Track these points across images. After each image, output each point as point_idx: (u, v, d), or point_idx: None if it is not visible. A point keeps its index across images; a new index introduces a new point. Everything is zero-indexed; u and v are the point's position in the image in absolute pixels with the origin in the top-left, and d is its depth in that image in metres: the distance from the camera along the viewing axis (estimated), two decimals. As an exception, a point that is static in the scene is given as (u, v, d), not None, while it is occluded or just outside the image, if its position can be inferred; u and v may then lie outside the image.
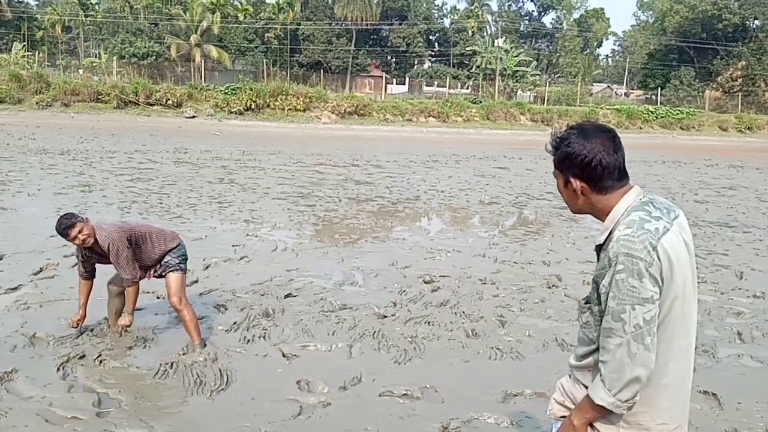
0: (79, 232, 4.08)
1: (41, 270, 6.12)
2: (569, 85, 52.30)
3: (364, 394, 3.91)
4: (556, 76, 63.58)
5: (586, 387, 1.87)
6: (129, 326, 4.50)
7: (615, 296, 1.69)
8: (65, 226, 4.08)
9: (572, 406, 1.95)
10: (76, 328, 4.53)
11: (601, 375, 1.75)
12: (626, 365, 1.69)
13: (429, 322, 5.13)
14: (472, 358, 4.51)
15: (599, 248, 1.83)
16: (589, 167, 1.78)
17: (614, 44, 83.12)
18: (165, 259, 4.44)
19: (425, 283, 6.27)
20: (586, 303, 1.88)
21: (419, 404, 3.80)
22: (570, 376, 2.00)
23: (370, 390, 3.95)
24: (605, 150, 1.78)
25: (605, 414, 1.78)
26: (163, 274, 4.45)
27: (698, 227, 9.87)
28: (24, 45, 46.78)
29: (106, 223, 4.39)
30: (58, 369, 4.04)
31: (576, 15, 68.19)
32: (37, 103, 30.59)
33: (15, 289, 5.58)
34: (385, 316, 5.26)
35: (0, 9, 54.03)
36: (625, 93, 64.51)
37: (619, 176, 1.81)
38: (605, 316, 1.73)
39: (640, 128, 40.94)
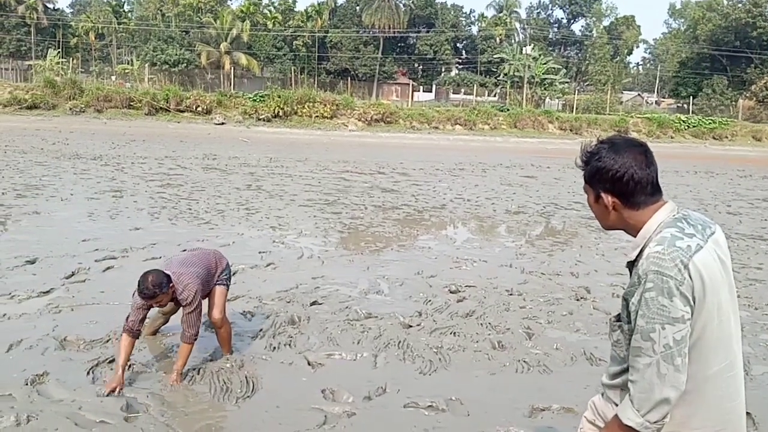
0: (159, 301, 3.85)
1: (73, 274, 6.23)
2: (599, 93, 51.75)
3: (388, 404, 3.89)
4: (585, 84, 63.02)
5: (615, 404, 1.84)
6: (172, 384, 4.00)
7: (644, 315, 1.65)
8: (163, 286, 3.75)
9: (602, 425, 1.91)
10: (113, 393, 3.80)
11: (630, 395, 1.71)
12: (655, 385, 1.65)
13: (454, 333, 5.09)
14: (499, 370, 4.46)
15: (631, 264, 1.79)
16: (620, 182, 1.75)
17: (645, 52, 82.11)
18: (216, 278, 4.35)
19: (451, 293, 6.23)
20: (616, 321, 1.84)
21: (444, 416, 3.77)
22: (602, 395, 1.96)
23: (395, 401, 3.93)
24: (637, 164, 1.75)
25: None
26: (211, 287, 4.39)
27: (731, 240, 9.65)
28: (59, 52, 48.00)
29: (175, 266, 4.02)
30: (88, 373, 4.10)
31: (606, 22, 67.55)
32: (70, 108, 31.33)
33: (47, 292, 5.69)
34: (411, 326, 5.24)
35: (36, 17, 55.50)
36: (656, 102, 63.60)
37: (652, 191, 1.78)
38: (634, 334, 1.69)
39: (672, 138, 40.28)
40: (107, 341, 4.61)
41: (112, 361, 4.28)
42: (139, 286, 3.75)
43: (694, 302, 1.65)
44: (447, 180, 16.04)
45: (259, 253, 7.51)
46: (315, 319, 5.31)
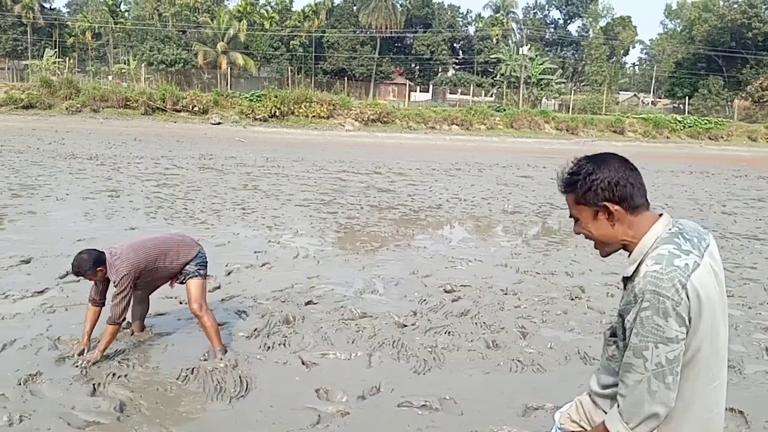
0: (100, 277, 4.15)
1: (67, 273, 6.20)
2: (595, 93, 51.84)
3: (382, 404, 3.89)
4: (581, 84, 63.13)
5: (605, 412, 1.85)
6: (91, 363, 4.15)
7: (638, 333, 1.65)
8: (86, 269, 4.08)
9: (588, 428, 1.94)
10: (77, 360, 4.19)
11: (618, 407, 1.72)
12: (645, 401, 1.66)
13: (449, 332, 5.10)
14: (493, 369, 4.47)
15: (626, 280, 1.78)
16: (618, 186, 1.73)
17: (641, 52, 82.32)
18: (185, 269, 4.41)
19: (446, 292, 6.23)
20: (611, 336, 1.84)
21: (438, 416, 3.77)
22: (590, 396, 1.97)
23: (389, 400, 3.93)
24: (625, 169, 1.75)
25: None
26: (184, 281, 4.45)
27: (726, 239, 9.68)
28: (55, 51, 47.96)
29: (121, 248, 4.20)
30: (82, 372, 4.09)
31: (602, 23, 67.66)
32: (67, 108, 31.28)
33: (41, 292, 5.68)
34: (405, 326, 5.24)
35: (33, 16, 55.38)
36: (652, 102, 63.73)
37: (645, 193, 1.78)
38: (627, 351, 1.69)
39: (668, 138, 40.41)
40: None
41: (107, 358, 4.28)
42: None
43: (689, 322, 1.64)
44: (443, 180, 16.05)
45: (255, 252, 7.51)
46: (310, 318, 5.31)
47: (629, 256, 1.78)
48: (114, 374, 4.08)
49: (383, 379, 4.18)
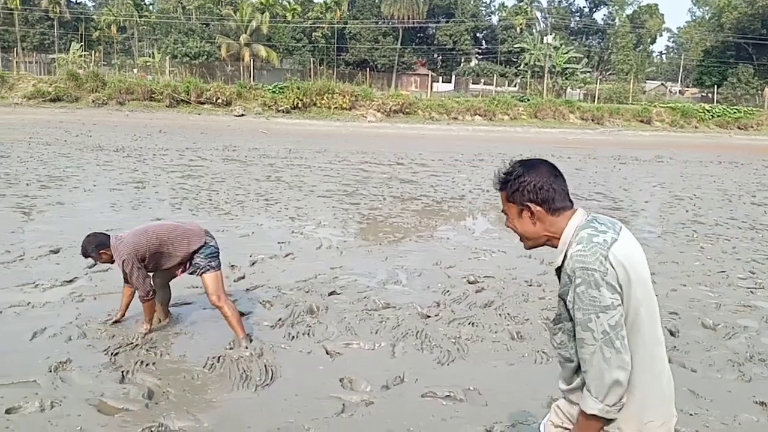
0: (105, 260, 4.43)
1: (96, 264, 6.31)
2: (621, 82, 51.05)
3: (406, 394, 3.90)
4: (607, 73, 62.21)
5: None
6: (143, 334, 4.56)
7: (580, 308, 1.81)
8: (90, 251, 4.39)
9: (571, 426, 2.03)
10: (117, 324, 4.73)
11: (586, 386, 1.85)
12: (604, 370, 1.78)
13: (473, 324, 5.08)
14: (517, 361, 4.44)
15: (558, 270, 1.94)
16: (542, 190, 1.93)
17: (669, 41, 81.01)
18: (194, 260, 4.47)
19: (469, 283, 6.21)
20: (556, 324, 1.99)
21: (462, 406, 3.76)
22: (565, 398, 2.07)
23: (412, 390, 3.94)
24: (551, 175, 1.97)
25: (603, 424, 1.86)
26: (197, 275, 4.50)
27: (756, 230, 9.48)
28: (81, 45, 48.63)
29: (126, 234, 4.44)
30: (111, 360, 4.17)
31: (629, 11, 66.42)
32: (93, 101, 31.75)
33: (70, 281, 5.79)
34: (429, 316, 5.23)
35: (59, 10, 56.20)
36: (679, 91, 62.53)
37: (567, 198, 1.98)
38: (576, 327, 1.84)
39: (696, 127, 39.66)
40: (128, 329, 4.67)
41: (134, 348, 4.35)
42: None
43: (621, 288, 1.80)
44: (466, 171, 15.97)
45: (279, 243, 7.55)
46: (333, 308, 5.33)
47: (557, 249, 1.97)
48: (142, 362, 4.15)
49: (407, 370, 4.18)
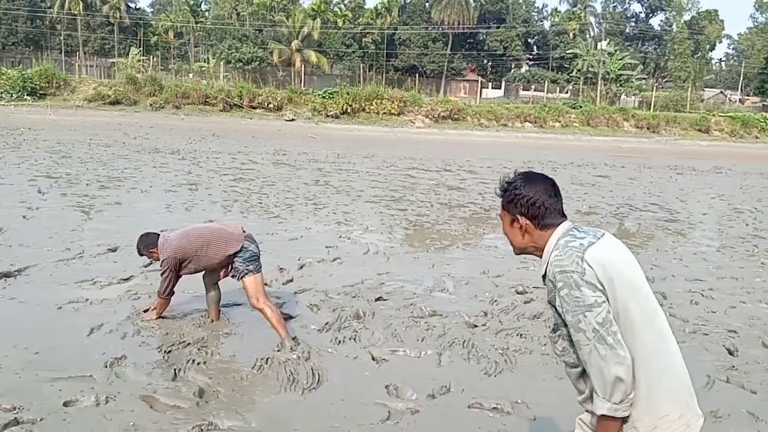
0: (155, 258, 4.73)
1: (151, 263, 6.49)
2: (678, 90, 49.52)
3: (452, 404, 3.86)
4: (663, 80, 60.52)
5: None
6: (147, 320, 4.88)
7: (568, 311, 1.88)
8: (141, 249, 4.76)
9: None
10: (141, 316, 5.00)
11: (594, 389, 1.89)
12: (602, 367, 1.84)
13: (521, 335, 5.00)
14: (566, 375, 4.33)
15: (544, 278, 2.03)
16: (534, 207, 2.03)
17: (728, 47, 77.97)
18: (234, 264, 4.60)
19: (518, 293, 6.12)
20: (554, 332, 2.06)
21: (510, 419, 3.70)
22: (586, 410, 2.10)
23: (459, 400, 3.90)
24: (546, 194, 2.05)
25: (620, 424, 1.90)
26: (238, 278, 4.61)
27: (823, 247, 9.03)
28: (140, 50, 50.25)
29: (172, 236, 4.70)
30: (164, 358, 4.28)
31: (687, 17, 64.51)
32: (150, 104, 32.77)
33: (127, 279, 5.98)
34: (476, 326, 5.18)
35: (119, 16, 58.35)
36: (739, 99, 60.24)
37: (558, 216, 2.05)
38: (570, 330, 1.91)
39: (757, 138, 38.13)
40: (181, 328, 4.78)
41: (187, 346, 4.45)
42: None
43: (603, 286, 1.87)
44: (515, 178, 15.74)
45: (326, 247, 7.61)
46: (380, 314, 5.33)
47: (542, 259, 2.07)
48: (193, 360, 4.24)
49: (453, 379, 4.14)
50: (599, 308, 1.84)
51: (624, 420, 1.89)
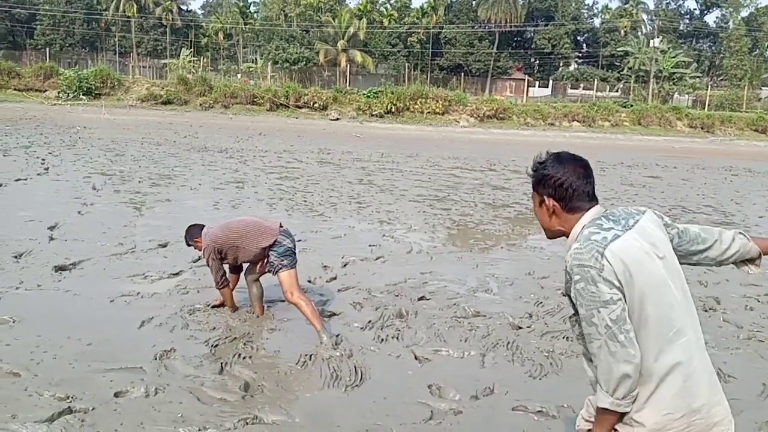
0: (199, 248, 4.93)
1: (200, 258, 6.64)
2: (734, 88, 47.73)
3: (496, 405, 3.81)
4: (719, 78, 58.46)
5: None
6: (211, 306, 5.13)
7: (582, 304, 1.86)
8: (187, 239, 5.05)
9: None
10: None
11: (598, 381, 1.89)
12: (611, 363, 1.82)
13: (567, 338, 4.90)
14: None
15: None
16: (562, 188, 2.00)
17: (790, 43, 74.56)
18: (269, 258, 4.68)
19: (564, 296, 5.97)
20: (572, 317, 2.04)
21: (555, 423, 3.63)
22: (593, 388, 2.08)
23: (502, 402, 3.85)
24: (576, 175, 2.01)
25: (618, 417, 1.89)
26: (273, 273, 4.71)
27: None
28: (191, 51, 51.43)
29: (214, 227, 4.90)
30: (211, 351, 4.37)
31: (744, 13, 62.10)
32: (200, 104, 33.51)
33: (176, 274, 6.13)
34: (520, 327, 5.11)
35: (171, 18, 59.89)
36: (800, 98, 57.64)
37: (588, 199, 2.02)
38: (582, 323, 1.89)
39: (819, 137, 36.36)
40: (228, 323, 4.88)
41: (233, 341, 4.53)
42: None
43: (621, 283, 1.83)
44: (562, 179, 15.46)
45: (369, 246, 7.64)
46: (422, 314, 5.32)
47: None
48: (240, 355, 4.31)
49: (497, 381, 4.09)
50: (614, 305, 1.81)
51: (622, 414, 1.89)
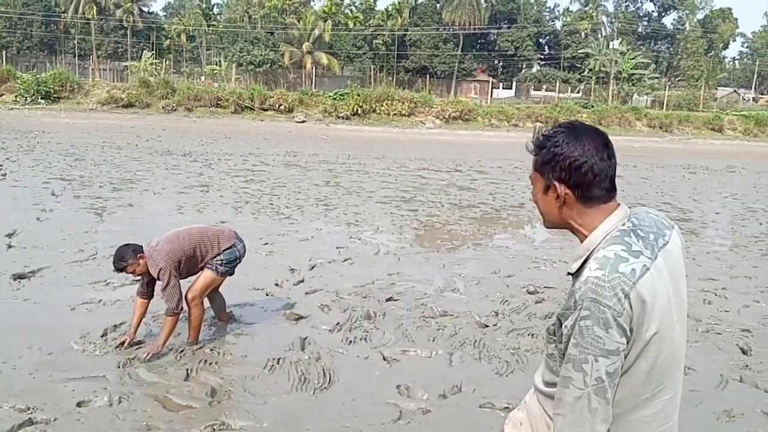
0: (132, 271, 4.24)
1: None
2: (691, 89, 49.11)
3: (464, 403, 3.86)
4: (676, 79, 60.08)
5: (550, 417, 1.67)
6: (152, 354, 4.22)
7: (578, 343, 1.47)
8: (118, 267, 4.23)
9: (528, 427, 1.81)
10: (121, 347, 4.34)
11: (557, 427, 1.55)
12: (586, 420, 1.49)
13: (533, 335, 4.98)
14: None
15: (571, 275, 1.61)
16: (578, 172, 1.55)
17: (742, 46, 77.12)
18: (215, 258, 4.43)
19: (529, 293, 6.10)
20: (551, 335, 1.66)
21: (521, 419, 3.68)
22: (535, 394, 1.82)
23: (470, 400, 3.89)
24: (598, 155, 1.55)
25: None
26: (201, 267, 4.46)
27: (840, 246, 8.92)
28: (152, 53, 50.58)
29: (158, 241, 4.31)
30: (176, 358, 4.30)
31: (700, 15, 64.00)
32: (163, 107, 32.94)
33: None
34: (487, 326, 5.17)
35: (132, 20, 58.85)
36: (753, 98, 59.66)
37: (609, 187, 1.60)
38: (565, 363, 1.51)
39: (771, 136, 37.66)
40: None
41: (200, 348, 4.48)
42: None
43: (631, 333, 1.47)
44: (526, 178, 15.65)
45: (337, 248, 7.63)
46: (390, 314, 5.34)
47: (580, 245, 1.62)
48: (206, 361, 4.27)
49: (464, 379, 4.14)
50: (617, 357, 1.46)
51: None
